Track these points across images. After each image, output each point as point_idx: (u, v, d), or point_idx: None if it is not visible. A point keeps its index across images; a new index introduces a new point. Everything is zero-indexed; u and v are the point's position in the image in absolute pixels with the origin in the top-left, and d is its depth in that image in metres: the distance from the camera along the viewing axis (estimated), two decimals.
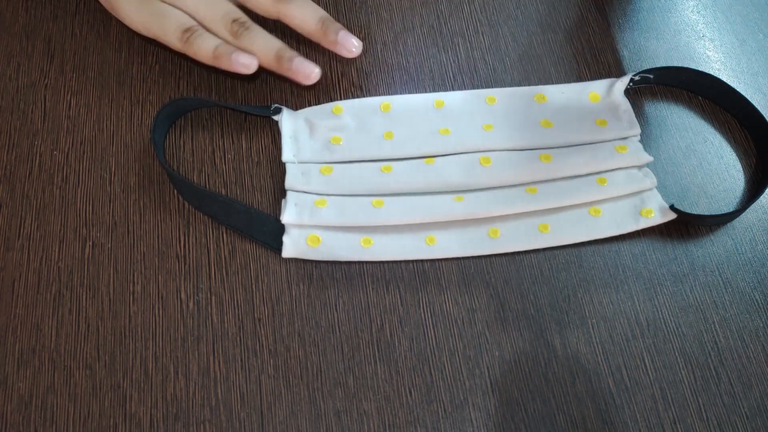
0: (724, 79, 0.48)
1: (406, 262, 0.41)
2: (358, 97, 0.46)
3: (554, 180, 0.43)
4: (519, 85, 0.47)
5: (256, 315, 0.39)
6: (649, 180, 0.43)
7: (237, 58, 0.40)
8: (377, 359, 0.38)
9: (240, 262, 0.40)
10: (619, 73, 0.48)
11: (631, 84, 0.47)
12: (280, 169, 0.43)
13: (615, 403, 0.38)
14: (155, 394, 0.37)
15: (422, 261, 0.41)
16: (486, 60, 0.48)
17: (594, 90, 0.47)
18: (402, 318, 0.39)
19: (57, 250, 0.40)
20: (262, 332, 0.39)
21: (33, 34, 0.47)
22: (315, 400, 0.37)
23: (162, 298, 0.39)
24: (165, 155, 0.43)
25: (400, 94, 0.46)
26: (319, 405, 0.37)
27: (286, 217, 0.40)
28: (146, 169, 0.43)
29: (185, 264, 0.40)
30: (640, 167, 0.44)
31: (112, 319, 0.39)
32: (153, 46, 0.47)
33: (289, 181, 0.42)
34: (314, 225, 0.40)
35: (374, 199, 0.41)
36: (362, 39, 0.48)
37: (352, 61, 0.47)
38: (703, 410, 0.38)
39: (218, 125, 0.45)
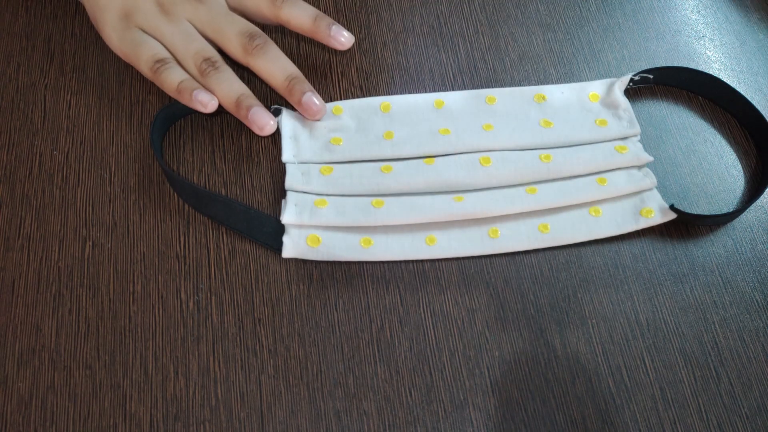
0: (724, 79, 0.48)
1: (406, 262, 0.41)
2: (358, 97, 0.46)
3: (554, 180, 0.43)
4: (519, 85, 0.47)
5: (256, 315, 0.39)
6: (649, 180, 0.43)
7: (196, 96, 0.42)
8: (377, 359, 0.38)
9: (240, 262, 0.40)
10: (619, 73, 0.48)
11: (631, 84, 0.47)
12: (280, 169, 0.43)
13: (615, 403, 0.38)
14: (155, 394, 0.37)
15: (422, 261, 0.41)
16: (486, 60, 0.48)
17: (594, 90, 0.47)
18: (402, 318, 0.39)
19: (57, 250, 0.40)
20: (262, 332, 0.39)
21: (33, 34, 0.47)
22: (315, 400, 0.37)
23: (162, 298, 0.39)
24: (165, 156, 0.43)
25: (400, 94, 0.46)
26: (319, 405, 0.37)
27: (286, 218, 0.40)
28: (146, 169, 0.43)
29: (185, 264, 0.40)
30: (640, 167, 0.44)
31: (112, 319, 0.39)
32: None
33: (289, 182, 0.42)
34: (314, 225, 0.40)
35: (374, 200, 0.41)
36: (362, 39, 0.48)
37: (352, 61, 0.47)
38: (703, 410, 0.38)
39: (218, 125, 0.45)
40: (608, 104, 0.46)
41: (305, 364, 0.38)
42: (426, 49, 0.49)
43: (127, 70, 0.46)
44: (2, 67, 0.46)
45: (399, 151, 0.43)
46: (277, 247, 0.40)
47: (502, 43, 0.49)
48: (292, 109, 0.45)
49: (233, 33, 0.43)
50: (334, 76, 0.47)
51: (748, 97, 0.47)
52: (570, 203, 0.42)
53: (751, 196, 0.44)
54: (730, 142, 0.46)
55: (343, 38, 0.45)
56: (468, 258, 0.41)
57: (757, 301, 0.41)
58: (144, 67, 0.43)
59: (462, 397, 0.38)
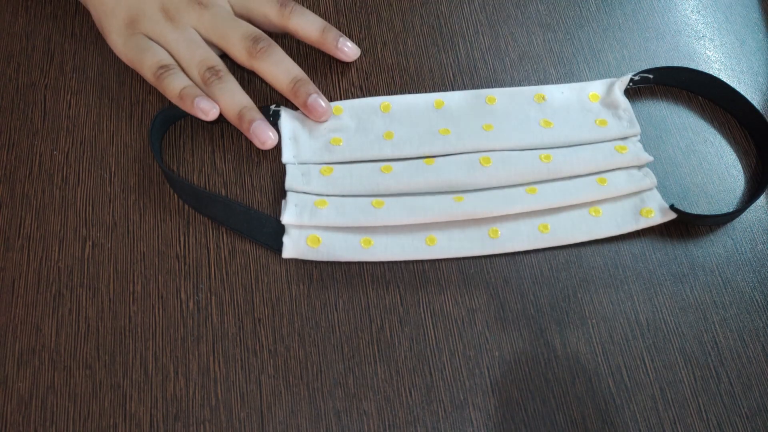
0: (724, 79, 0.48)
1: (406, 262, 0.41)
2: (358, 97, 0.46)
3: (554, 180, 0.43)
4: (519, 85, 0.47)
5: (256, 315, 0.39)
6: (649, 180, 0.43)
7: (198, 103, 0.42)
8: (377, 359, 0.38)
9: (240, 262, 0.40)
10: (619, 73, 0.48)
11: (630, 84, 0.47)
12: (280, 170, 0.43)
13: (615, 403, 0.38)
14: (155, 394, 0.37)
15: (422, 261, 0.41)
16: (486, 60, 0.48)
17: (594, 90, 0.47)
18: (402, 318, 0.39)
19: (57, 250, 0.40)
20: (262, 332, 0.39)
21: (33, 34, 0.47)
22: (315, 400, 0.37)
23: (162, 298, 0.39)
24: (165, 156, 0.43)
25: (400, 94, 0.46)
26: (319, 405, 0.37)
27: (286, 218, 0.40)
28: (146, 169, 0.43)
29: (185, 264, 0.40)
30: (640, 167, 0.44)
31: (112, 319, 0.39)
32: None
33: (289, 182, 0.42)
34: (314, 225, 0.40)
35: (374, 200, 0.41)
36: (362, 39, 0.48)
37: (353, 61, 0.47)
38: (703, 410, 0.38)
39: (218, 125, 0.45)
40: (608, 104, 0.46)
41: (305, 364, 0.38)
42: (426, 49, 0.49)
43: (127, 71, 0.46)
44: (2, 67, 0.46)
45: (399, 151, 0.43)
46: (278, 247, 0.40)
47: (502, 43, 0.49)
48: (292, 107, 0.45)
49: (237, 37, 0.43)
50: (334, 76, 0.47)
51: (748, 97, 0.47)
52: (570, 203, 0.42)
53: (751, 196, 0.44)
54: (730, 142, 0.46)
55: (348, 49, 0.46)
56: (468, 258, 0.41)
57: (757, 301, 0.41)
58: (147, 73, 0.43)
59: (462, 397, 0.38)
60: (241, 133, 0.44)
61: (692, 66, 0.48)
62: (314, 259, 0.40)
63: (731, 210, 0.43)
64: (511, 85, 0.47)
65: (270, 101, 0.46)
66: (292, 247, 0.40)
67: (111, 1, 0.44)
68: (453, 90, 0.47)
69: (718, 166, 0.45)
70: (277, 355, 0.38)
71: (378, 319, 0.39)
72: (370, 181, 0.42)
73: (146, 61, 0.43)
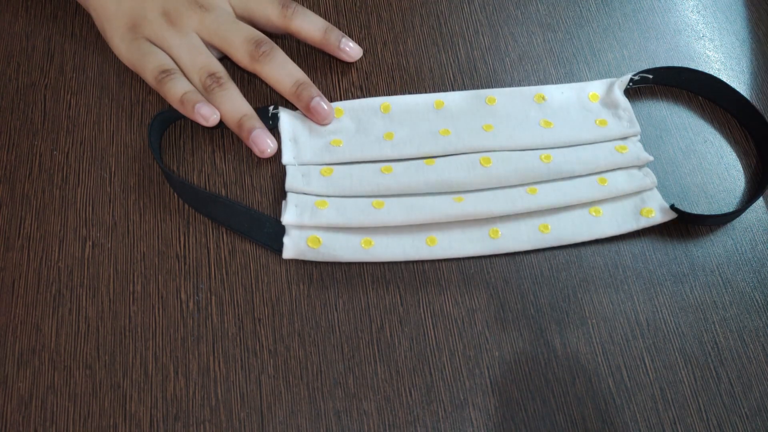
0: (724, 79, 0.48)
1: (406, 262, 0.41)
2: (358, 97, 0.46)
3: (555, 180, 0.43)
4: (519, 85, 0.47)
5: (256, 315, 0.39)
6: (650, 180, 0.43)
7: (198, 109, 0.42)
8: (377, 359, 0.38)
9: (240, 262, 0.40)
10: (619, 73, 0.48)
11: (630, 84, 0.47)
12: (280, 170, 0.43)
13: (615, 403, 0.38)
14: (155, 394, 0.37)
15: (422, 261, 0.41)
16: (486, 60, 0.48)
17: (594, 90, 0.47)
18: (402, 318, 0.39)
19: (57, 250, 0.40)
20: (262, 332, 0.39)
21: (33, 34, 0.47)
22: (315, 400, 0.37)
23: (162, 298, 0.39)
24: (165, 156, 0.43)
25: (400, 94, 0.46)
26: (319, 405, 0.37)
27: (286, 218, 0.40)
28: (146, 169, 0.43)
29: (185, 264, 0.40)
30: (640, 167, 0.44)
31: (112, 319, 0.39)
32: None
33: (290, 183, 0.42)
34: (315, 226, 0.40)
35: (374, 200, 0.41)
36: (362, 39, 0.48)
37: (355, 61, 0.47)
38: (703, 410, 0.38)
39: (218, 125, 0.45)
40: (608, 104, 0.46)
41: (305, 364, 0.38)
42: (426, 49, 0.49)
43: (127, 71, 0.46)
44: (2, 67, 0.46)
45: (399, 151, 0.43)
46: (278, 248, 0.40)
47: (502, 43, 0.49)
48: (292, 108, 0.45)
49: (239, 40, 0.43)
50: (334, 76, 0.47)
51: (748, 97, 0.47)
52: (570, 203, 0.42)
53: (751, 196, 0.44)
54: (730, 142, 0.46)
55: (350, 50, 0.46)
56: (468, 258, 0.41)
57: (757, 301, 0.41)
58: (149, 77, 0.43)
59: (462, 397, 0.38)
60: None
61: (692, 66, 0.48)
62: (314, 260, 0.40)
63: (731, 210, 0.43)
64: (511, 85, 0.47)
65: (270, 102, 0.46)
66: (292, 248, 0.40)
67: (112, 5, 0.44)
68: (453, 90, 0.47)
69: (718, 166, 0.45)
70: (277, 355, 0.38)
71: (378, 319, 0.39)
72: (370, 181, 0.42)
73: (148, 65, 0.43)
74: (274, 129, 0.44)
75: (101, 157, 0.43)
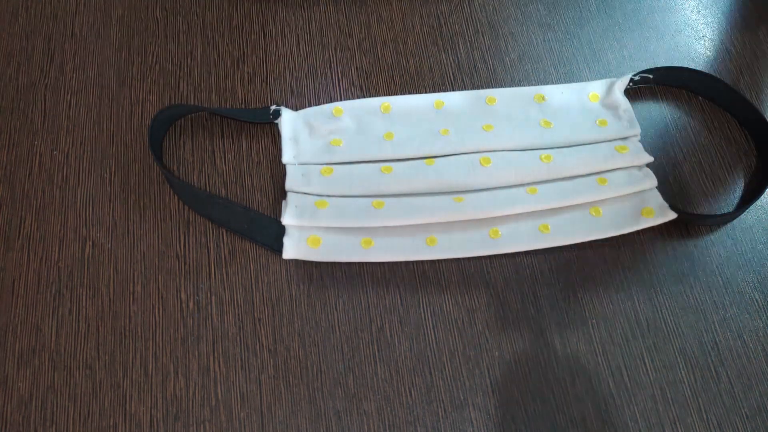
0: (724, 79, 0.47)
1: (406, 262, 0.41)
2: (358, 97, 0.46)
3: (555, 180, 0.43)
4: (519, 85, 0.47)
5: (256, 315, 0.39)
6: (650, 180, 0.43)
7: None
8: (377, 359, 0.38)
9: (240, 263, 0.40)
10: (619, 73, 0.48)
11: (630, 84, 0.47)
12: (280, 170, 0.43)
13: (615, 403, 0.38)
14: (155, 394, 0.37)
15: (422, 261, 0.41)
16: (486, 60, 0.48)
17: (594, 90, 0.47)
18: (402, 318, 0.39)
19: (57, 250, 0.40)
20: (262, 332, 0.39)
21: (33, 34, 0.47)
22: (315, 400, 0.37)
23: (162, 298, 0.39)
24: (165, 156, 0.43)
25: (400, 94, 0.46)
26: (319, 405, 0.37)
27: (286, 219, 0.40)
28: (146, 169, 0.43)
29: (185, 264, 0.40)
30: (640, 167, 0.44)
31: (112, 319, 0.39)
32: (153, 45, 0.47)
33: (290, 183, 0.42)
34: (315, 226, 0.40)
35: (374, 200, 0.41)
36: (362, 39, 0.48)
37: (352, 61, 0.47)
38: (703, 410, 0.38)
39: (218, 125, 0.45)
40: (608, 104, 0.46)
41: (305, 364, 0.38)
42: (426, 48, 0.49)
43: (127, 71, 0.46)
44: (2, 67, 0.46)
45: (399, 151, 0.43)
46: (278, 248, 0.40)
47: (502, 43, 0.49)
48: (293, 108, 0.45)
49: None
50: (334, 76, 0.47)
51: (747, 97, 0.47)
52: (570, 203, 0.42)
53: (751, 196, 0.44)
54: (730, 142, 0.46)
55: None
56: (468, 258, 0.41)
57: (757, 301, 0.41)
58: None
59: (462, 397, 0.38)
60: (241, 133, 0.44)
61: (692, 66, 0.48)
62: (314, 260, 0.40)
63: (731, 210, 0.43)
64: (511, 85, 0.47)
65: (270, 102, 0.46)
66: (292, 248, 0.40)
67: None
68: (453, 90, 0.47)
69: (718, 167, 0.45)
70: (277, 355, 0.38)
71: (378, 319, 0.39)
72: (370, 181, 0.42)
73: None
74: (274, 125, 0.44)
75: (101, 157, 0.43)
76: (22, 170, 0.43)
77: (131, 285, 0.40)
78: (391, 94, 0.46)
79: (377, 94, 0.46)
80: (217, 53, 0.47)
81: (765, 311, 0.41)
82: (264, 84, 0.46)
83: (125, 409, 0.36)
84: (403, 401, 0.37)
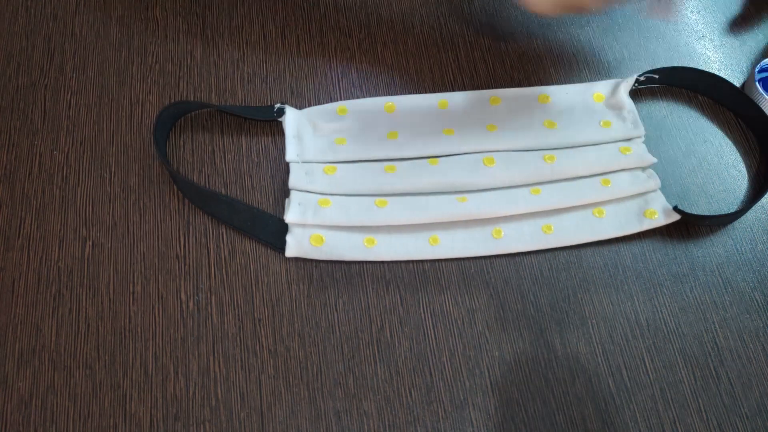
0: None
1: (406, 262, 0.41)
2: (358, 97, 0.46)
3: (558, 181, 0.43)
4: (519, 85, 0.47)
5: (256, 315, 0.39)
6: (653, 181, 0.43)
7: None
8: (377, 359, 0.38)
9: (240, 263, 0.40)
10: (620, 73, 0.48)
11: (636, 85, 0.47)
12: (280, 169, 0.43)
13: (615, 403, 0.38)
14: (155, 394, 0.37)
15: (422, 261, 0.41)
16: (486, 60, 0.48)
17: (598, 90, 0.47)
18: (402, 318, 0.39)
19: (57, 250, 0.40)
20: (262, 332, 0.39)
21: (33, 34, 0.47)
22: (315, 400, 0.37)
23: (162, 298, 0.39)
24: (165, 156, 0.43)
25: (401, 94, 0.46)
26: (319, 405, 0.37)
27: (289, 217, 0.40)
28: (146, 169, 0.43)
29: (185, 264, 0.40)
30: (643, 169, 0.44)
31: (112, 319, 0.38)
32: (153, 45, 0.47)
33: (293, 181, 0.42)
34: (318, 224, 0.40)
35: (378, 199, 0.41)
36: (362, 39, 0.48)
37: (352, 61, 0.47)
38: (703, 410, 0.38)
39: (218, 125, 0.45)
40: (613, 105, 0.46)
41: (305, 364, 0.38)
42: (426, 49, 0.49)
43: (127, 70, 0.46)
44: (2, 67, 0.46)
45: (403, 151, 0.43)
46: (281, 246, 0.40)
47: (502, 43, 0.49)
48: (296, 106, 0.45)
49: None
50: (334, 76, 0.47)
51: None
52: (574, 204, 0.42)
53: (753, 196, 0.44)
54: (730, 143, 0.46)
55: None
56: (468, 258, 0.41)
57: (757, 301, 0.41)
58: None
59: (462, 397, 0.38)
60: (241, 133, 0.44)
61: (692, 66, 0.48)
62: (317, 258, 0.40)
63: (732, 210, 0.43)
64: (511, 85, 0.47)
65: (270, 101, 0.46)
66: (295, 246, 0.40)
67: None
68: (453, 90, 0.47)
69: (718, 167, 0.45)
70: (277, 355, 0.38)
71: (378, 320, 0.39)
72: (373, 180, 0.42)
73: None
74: (275, 125, 0.44)
75: (101, 157, 0.43)
76: (22, 170, 0.43)
77: (131, 285, 0.39)
78: (392, 95, 0.46)
79: (377, 94, 0.46)
80: (217, 53, 0.47)
81: (765, 311, 0.41)
82: (264, 84, 0.46)
83: (125, 409, 0.36)
84: (403, 401, 0.37)
